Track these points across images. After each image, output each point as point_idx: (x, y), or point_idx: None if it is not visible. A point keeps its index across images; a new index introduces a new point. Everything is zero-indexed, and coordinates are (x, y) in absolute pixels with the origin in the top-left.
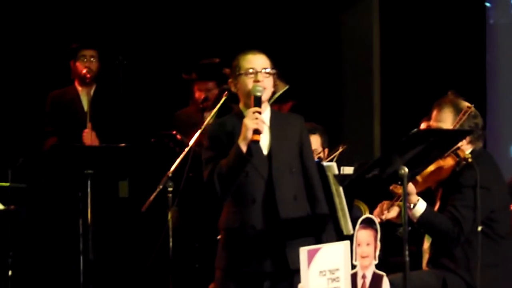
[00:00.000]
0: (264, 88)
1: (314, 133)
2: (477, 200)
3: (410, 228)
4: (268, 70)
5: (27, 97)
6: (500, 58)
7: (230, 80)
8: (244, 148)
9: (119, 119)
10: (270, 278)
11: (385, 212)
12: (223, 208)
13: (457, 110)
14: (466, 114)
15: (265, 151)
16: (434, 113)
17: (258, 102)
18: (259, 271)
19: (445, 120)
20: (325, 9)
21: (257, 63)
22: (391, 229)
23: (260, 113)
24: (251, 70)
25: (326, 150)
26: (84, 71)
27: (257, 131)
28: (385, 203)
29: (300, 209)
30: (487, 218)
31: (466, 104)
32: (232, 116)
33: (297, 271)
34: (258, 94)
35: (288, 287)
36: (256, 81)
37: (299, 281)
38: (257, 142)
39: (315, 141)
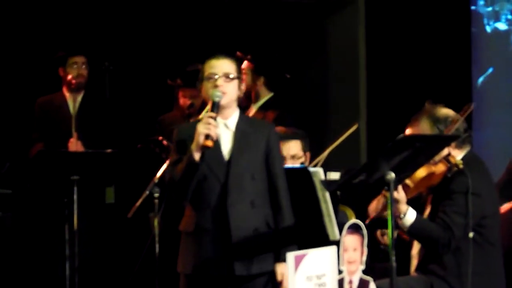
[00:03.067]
0: (224, 93)
1: (294, 138)
2: (469, 207)
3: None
4: (231, 75)
5: (14, 103)
6: (486, 60)
7: (199, 86)
8: (196, 154)
9: (106, 125)
10: (229, 284)
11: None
12: (185, 211)
13: (434, 120)
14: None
15: (226, 156)
16: (413, 126)
17: (215, 107)
18: (214, 276)
19: (423, 130)
20: (310, 14)
21: (218, 68)
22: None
23: (214, 118)
24: (211, 75)
25: (308, 154)
26: (70, 77)
27: (209, 137)
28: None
29: (257, 216)
30: (477, 224)
31: (445, 111)
32: (199, 121)
33: (257, 276)
34: (216, 99)
35: None
36: (215, 86)
37: (259, 285)
38: (209, 148)
39: (296, 146)
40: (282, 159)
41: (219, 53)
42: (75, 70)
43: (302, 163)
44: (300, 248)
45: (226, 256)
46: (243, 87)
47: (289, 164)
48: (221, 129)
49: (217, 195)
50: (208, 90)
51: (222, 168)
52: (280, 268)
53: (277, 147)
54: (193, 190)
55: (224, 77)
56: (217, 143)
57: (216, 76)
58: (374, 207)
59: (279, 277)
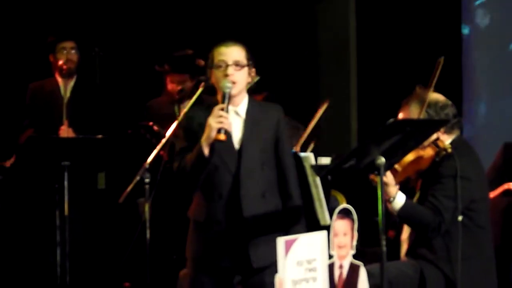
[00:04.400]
0: (234, 83)
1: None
2: (458, 190)
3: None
4: (241, 63)
5: (4, 90)
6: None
7: (208, 72)
8: (206, 148)
9: (96, 110)
10: (239, 273)
11: None
12: (194, 198)
13: (423, 103)
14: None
15: (236, 146)
16: (403, 110)
17: (225, 98)
18: (225, 267)
19: (413, 114)
20: (301, 0)
21: (228, 55)
22: (369, 219)
23: (226, 110)
24: (221, 63)
25: (297, 145)
26: (61, 62)
27: (221, 130)
28: None
29: (269, 207)
30: (467, 208)
31: (435, 96)
32: (205, 107)
33: (267, 267)
34: (227, 90)
35: (258, 283)
36: (226, 75)
37: (269, 276)
38: (222, 141)
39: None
40: (290, 144)
41: (228, 40)
42: (64, 55)
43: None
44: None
45: (237, 248)
46: (253, 73)
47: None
48: (232, 117)
49: (229, 185)
50: (219, 79)
51: (233, 159)
52: None
53: (285, 133)
54: (204, 180)
55: (234, 65)
56: (228, 132)
57: (226, 64)
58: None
59: None
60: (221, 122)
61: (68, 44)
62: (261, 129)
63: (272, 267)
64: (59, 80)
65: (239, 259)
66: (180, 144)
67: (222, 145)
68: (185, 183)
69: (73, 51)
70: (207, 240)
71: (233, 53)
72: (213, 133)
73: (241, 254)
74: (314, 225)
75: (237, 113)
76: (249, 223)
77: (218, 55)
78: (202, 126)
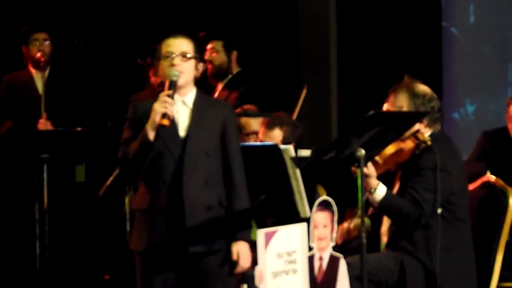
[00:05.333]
0: (181, 73)
1: (280, 126)
2: (437, 183)
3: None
4: (188, 54)
5: None
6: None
7: (156, 64)
8: (151, 132)
9: (75, 103)
10: (184, 260)
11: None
12: (138, 188)
13: (412, 94)
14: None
15: (182, 133)
16: (390, 98)
17: (172, 86)
18: (168, 253)
19: (401, 105)
20: None
21: (175, 47)
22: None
23: (171, 97)
24: (168, 54)
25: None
26: (38, 54)
27: (165, 115)
28: (346, 223)
29: (211, 194)
30: (446, 201)
31: (423, 88)
32: (154, 100)
33: (205, 254)
34: (174, 78)
35: (198, 269)
36: (172, 65)
37: (214, 262)
38: (165, 126)
39: (278, 137)
40: (239, 138)
41: (176, 32)
42: (36, 46)
43: None
44: (271, 225)
45: (180, 234)
46: (200, 67)
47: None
48: (179, 105)
49: (172, 172)
50: (165, 68)
51: (177, 146)
52: (235, 247)
53: (234, 126)
54: (148, 167)
55: (181, 56)
56: (173, 120)
57: (173, 55)
58: (340, 234)
59: (234, 256)
60: (165, 108)
61: (41, 36)
62: (207, 119)
63: (217, 255)
64: (33, 71)
65: (182, 246)
66: (125, 134)
67: (167, 132)
68: (129, 170)
69: (46, 43)
70: (152, 228)
71: (180, 45)
72: (158, 118)
73: (183, 241)
74: (294, 217)
75: (184, 103)
76: (189, 209)
77: (166, 46)
78: (147, 116)
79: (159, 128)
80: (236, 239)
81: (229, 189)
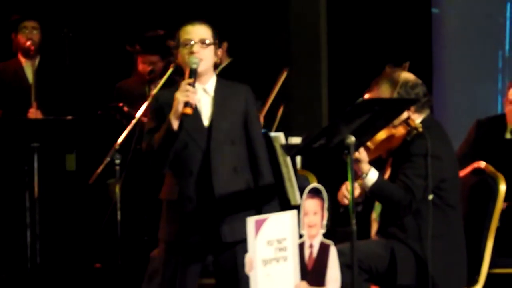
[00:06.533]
0: (201, 60)
1: None
2: (428, 169)
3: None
4: (207, 41)
5: None
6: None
7: (175, 52)
8: (175, 122)
9: (65, 91)
10: (212, 251)
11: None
12: (165, 179)
13: (394, 84)
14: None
15: (206, 122)
16: (373, 90)
17: (192, 74)
18: (197, 244)
19: (383, 94)
20: None
21: (194, 34)
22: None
23: (192, 85)
24: (187, 41)
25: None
26: (28, 43)
27: (188, 104)
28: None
29: (240, 182)
30: (437, 187)
31: (405, 75)
32: (174, 88)
33: (239, 242)
34: (194, 66)
35: (230, 259)
36: (191, 52)
37: (241, 252)
38: (188, 115)
39: None
40: (260, 121)
41: (194, 19)
42: (25, 34)
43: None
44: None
45: (210, 223)
46: (220, 52)
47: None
48: (200, 94)
49: (199, 162)
50: (185, 56)
51: (202, 135)
52: None
53: (254, 109)
54: (174, 158)
55: (200, 43)
56: (196, 109)
57: (192, 42)
58: (341, 194)
59: None
60: (187, 96)
61: (30, 24)
62: (230, 106)
63: (243, 243)
64: (22, 60)
65: (211, 235)
66: (149, 125)
67: (191, 122)
68: (154, 161)
69: (35, 31)
70: (180, 218)
71: (199, 31)
72: (180, 107)
73: (213, 230)
74: (284, 204)
75: (205, 91)
76: (220, 198)
77: (185, 34)
78: (170, 106)
79: (183, 118)
80: None
81: (256, 176)
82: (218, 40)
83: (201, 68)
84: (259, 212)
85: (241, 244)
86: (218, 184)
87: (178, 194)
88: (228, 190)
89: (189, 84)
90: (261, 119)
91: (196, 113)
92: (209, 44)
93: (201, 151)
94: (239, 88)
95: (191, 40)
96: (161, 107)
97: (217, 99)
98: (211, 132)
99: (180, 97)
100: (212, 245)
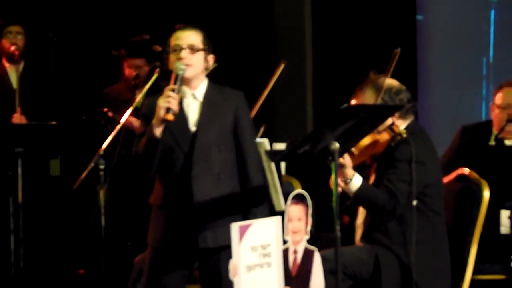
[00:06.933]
0: (188, 66)
1: None
2: (413, 175)
3: (349, 202)
4: (196, 47)
5: None
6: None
7: (166, 58)
8: (157, 128)
9: (50, 96)
10: (197, 257)
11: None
12: (154, 184)
13: (378, 90)
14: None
15: (193, 128)
16: (357, 96)
17: (178, 80)
18: (182, 249)
19: (367, 100)
20: None
21: (183, 40)
22: (324, 204)
23: (176, 91)
24: (176, 47)
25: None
26: (13, 48)
27: (170, 110)
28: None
29: (224, 189)
30: (421, 193)
31: (389, 81)
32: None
33: (223, 248)
34: (179, 72)
35: (213, 265)
36: (179, 58)
37: (224, 258)
38: (170, 121)
39: None
40: (253, 129)
41: (185, 25)
42: (9, 39)
43: None
44: (245, 218)
45: (193, 229)
46: (212, 58)
47: None
48: (189, 99)
49: (182, 167)
50: (173, 62)
51: (188, 140)
52: None
53: (247, 116)
54: (161, 163)
55: (189, 49)
56: (183, 114)
57: (181, 48)
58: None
59: None
60: (169, 102)
61: (14, 29)
62: (219, 111)
63: (227, 250)
64: (7, 65)
65: (194, 241)
66: (139, 130)
67: (177, 127)
68: (140, 166)
69: (19, 36)
70: (166, 223)
71: (188, 37)
72: (162, 113)
73: (196, 236)
74: (269, 210)
75: (194, 96)
76: (201, 204)
77: (174, 39)
78: (154, 111)
79: (168, 123)
80: None
81: (244, 183)
82: (210, 46)
83: (189, 74)
84: (245, 217)
85: (224, 251)
86: (199, 190)
87: (163, 199)
88: (209, 196)
89: (173, 90)
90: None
91: (183, 118)
92: (198, 50)
93: (185, 157)
94: (231, 93)
95: (180, 46)
96: (150, 112)
97: (206, 104)
98: (196, 138)
99: (162, 103)
100: (196, 251)
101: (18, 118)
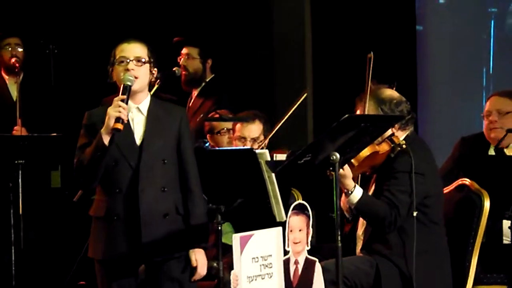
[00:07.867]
0: (136, 78)
1: (256, 120)
2: (413, 185)
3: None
4: (143, 59)
5: None
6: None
7: (109, 70)
8: (105, 137)
9: (50, 108)
10: (142, 263)
11: None
12: (95, 196)
13: (379, 101)
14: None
15: (138, 141)
16: (358, 107)
17: (126, 91)
18: (125, 261)
19: (368, 111)
20: None
21: (130, 52)
22: (325, 215)
23: (125, 102)
24: (123, 59)
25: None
26: (13, 60)
27: (119, 120)
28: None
29: (167, 201)
30: (421, 204)
31: (389, 92)
32: (108, 105)
33: (167, 260)
34: (128, 83)
35: (158, 276)
36: (127, 69)
37: (167, 270)
38: (119, 131)
39: (258, 129)
40: (193, 143)
41: (130, 37)
42: (8, 52)
43: (261, 147)
44: (247, 229)
45: (137, 242)
46: (155, 71)
47: (248, 146)
48: (134, 113)
49: (128, 180)
50: (120, 73)
51: (133, 153)
52: (193, 254)
53: (188, 132)
54: (104, 175)
55: (136, 61)
56: (129, 127)
57: (128, 60)
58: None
59: (193, 263)
60: (119, 112)
61: (13, 40)
62: (163, 126)
63: (176, 261)
64: (6, 77)
65: (138, 253)
66: (80, 142)
67: (122, 140)
68: (84, 177)
69: (18, 48)
70: (108, 235)
71: (135, 50)
72: (112, 122)
73: (139, 248)
74: (270, 221)
75: (139, 110)
76: (146, 216)
77: (120, 51)
78: (103, 123)
79: (114, 134)
80: (193, 246)
81: (185, 196)
82: (154, 59)
83: (136, 86)
84: (188, 233)
85: (168, 262)
86: (145, 202)
87: (105, 211)
88: (154, 208)
89: (122, 101)
90: (266, 141)
91: (129, 131)
92: (144, 62)
93: (131, 169)
94: (174, 109)
95: (127, 58)
96: (93, 123)
97: (151, 118)
98: (142, 151)
99: (112, 112)
100: (141, 262)
101: (18, 130)
